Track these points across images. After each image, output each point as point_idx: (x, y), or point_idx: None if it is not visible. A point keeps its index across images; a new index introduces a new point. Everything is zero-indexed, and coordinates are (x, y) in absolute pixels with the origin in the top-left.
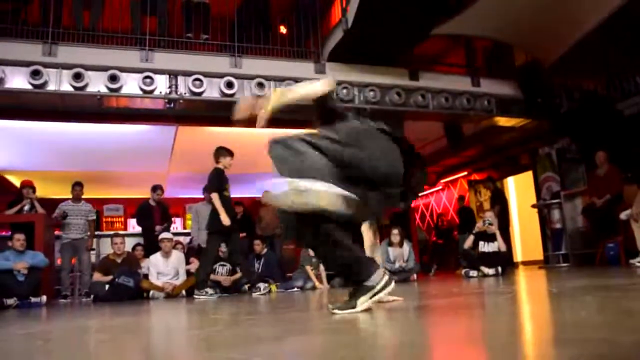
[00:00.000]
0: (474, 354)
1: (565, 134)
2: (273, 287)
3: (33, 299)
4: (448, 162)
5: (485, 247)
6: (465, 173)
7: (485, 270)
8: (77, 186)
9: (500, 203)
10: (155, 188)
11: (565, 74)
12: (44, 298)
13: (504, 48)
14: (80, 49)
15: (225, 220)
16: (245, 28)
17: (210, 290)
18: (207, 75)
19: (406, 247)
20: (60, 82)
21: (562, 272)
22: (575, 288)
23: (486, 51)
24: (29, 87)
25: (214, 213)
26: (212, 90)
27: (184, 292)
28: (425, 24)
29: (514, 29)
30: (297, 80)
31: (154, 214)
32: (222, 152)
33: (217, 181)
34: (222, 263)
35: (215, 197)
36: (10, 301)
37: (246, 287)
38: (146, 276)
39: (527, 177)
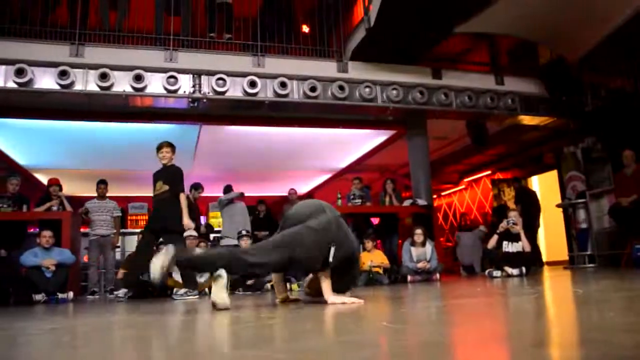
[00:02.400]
0: (499, 355)
1: (591, 132)
2: (295, 287)
3: (60, 295)
4: (471, 160)
5: (509, 247)
6: (489, 172)
7: (509, 270)
8: (102, 184)
9: (524, 202)
10: (197, 186)
11: (591, 71)
12: (71, 294)
13: (528, 45)
14: (106, 50)
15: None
16: (268, 27)
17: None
18: (230, 74)
19: (429, 246)
20: (86, 82)
21: (587, 273)
22: (601, 290)
23: (510, 49)
24: (57, 87)
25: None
26: (235, 90)
27: (206, 290)
28: (448, 22)
29: (538, 26)
30: (319, 79)
31: (194, 211)
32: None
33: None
34: None
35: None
36: (39, 297)
37: (269, 285)
38: (171, 274)
39: (552, 176)
